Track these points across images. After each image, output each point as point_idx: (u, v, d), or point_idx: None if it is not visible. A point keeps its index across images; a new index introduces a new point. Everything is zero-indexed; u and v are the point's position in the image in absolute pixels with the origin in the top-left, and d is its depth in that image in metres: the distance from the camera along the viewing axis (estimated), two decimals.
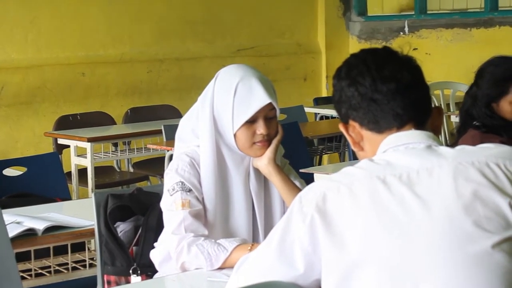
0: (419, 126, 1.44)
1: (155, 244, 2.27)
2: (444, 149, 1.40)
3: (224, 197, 2.19)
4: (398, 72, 1.44)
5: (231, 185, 2.20)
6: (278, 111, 2.18)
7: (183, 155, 2.20)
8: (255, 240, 2.21)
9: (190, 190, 2.14)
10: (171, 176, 2.17)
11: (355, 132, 1.48)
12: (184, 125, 2.26)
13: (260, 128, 2.15)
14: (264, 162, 2.19)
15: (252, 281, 1.42)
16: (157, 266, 2.24)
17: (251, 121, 2.14)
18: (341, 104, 1.48)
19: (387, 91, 1.43)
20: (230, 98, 2.13)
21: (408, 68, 1.46)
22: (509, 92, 2.72)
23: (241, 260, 1.51)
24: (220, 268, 2.04)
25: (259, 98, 2.13)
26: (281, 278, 1.40)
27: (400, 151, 1.41)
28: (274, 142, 2.19)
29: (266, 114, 2.16)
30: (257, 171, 2.22)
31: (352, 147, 1.50)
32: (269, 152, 2.18)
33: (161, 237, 2.23)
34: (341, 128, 1.50)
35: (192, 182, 2.15)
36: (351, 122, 1.48)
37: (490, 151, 1.41)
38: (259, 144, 2.17)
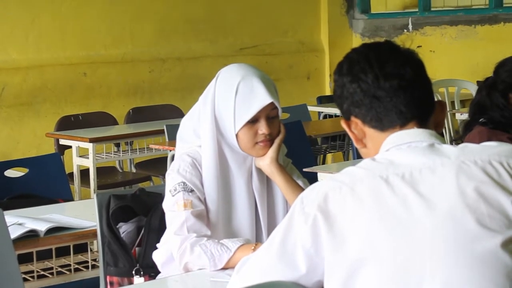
0: (422, 123, 1.43)
1: (157, 245, 2.25)
2: (447, 148, 1.39)
3: (227, 197, 2.18)
4: (401, 68, 1.43)
5: (233, 185, 2.19)
6: (280, 111, 2.17)
7: (184, 156, 2.18)
8: (258, 240, 2.20)
9: (192, 191, 2.13)
10: (173, 176, 2.16)
11: (358, 129, 1.47)
12: (186, 125, 2.25)
13: (262, 128, 2.13)
14: (267, 162, 2.17)
15: (253, 282, 1.40)
16: (159, 267, 2.23)
17: (253, 121, 2.13)
18: (343, 99, 1.47)
19: (390, 88, 1.41)
20: (232, 98, 2.12)
21: (410, 63, 1.44)
22: None
23: (242, 261, 1.50)
24: (224, 269, 2.03)
25: (261, 98, 2.11)
26: (283, 279, 1.38)
27: (402, 150, 1.40)
28: (276, 141, 2.18)
29: (268, 113, 2.14)
30: (259, 171, 2.21)
31: (355, 144, 1.49)
32: (271, 151, 2.17)
33: (164, 238, 2.22)
34: (343, 125, 1.49)
35: (194, 183, 2.14)
36: (354, 119, 1.47)
37: (493, 149, 1.40)
38: (261, 144, 2.15)
